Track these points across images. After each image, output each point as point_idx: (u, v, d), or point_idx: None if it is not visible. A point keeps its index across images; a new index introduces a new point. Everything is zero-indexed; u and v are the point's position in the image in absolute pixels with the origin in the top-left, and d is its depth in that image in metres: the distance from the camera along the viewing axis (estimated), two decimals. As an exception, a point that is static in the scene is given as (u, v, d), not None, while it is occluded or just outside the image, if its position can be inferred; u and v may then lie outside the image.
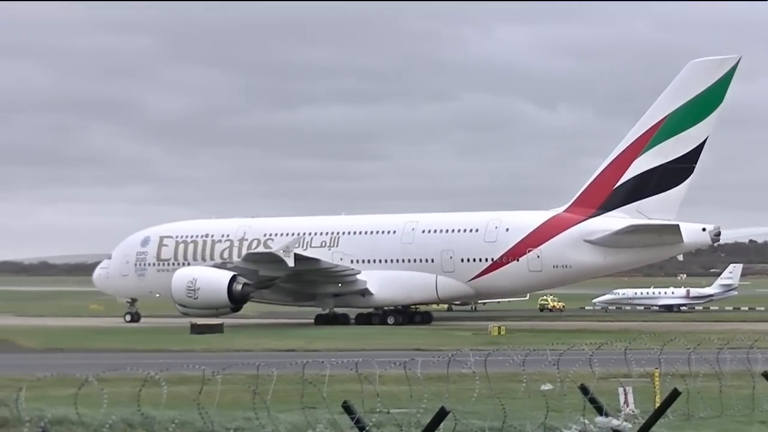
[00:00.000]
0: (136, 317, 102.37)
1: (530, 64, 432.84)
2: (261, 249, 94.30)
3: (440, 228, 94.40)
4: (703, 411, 29.10)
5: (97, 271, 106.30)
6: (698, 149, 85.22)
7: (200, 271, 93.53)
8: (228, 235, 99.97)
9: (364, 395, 25.96)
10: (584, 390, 23.65)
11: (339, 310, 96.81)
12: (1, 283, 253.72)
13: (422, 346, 60.95)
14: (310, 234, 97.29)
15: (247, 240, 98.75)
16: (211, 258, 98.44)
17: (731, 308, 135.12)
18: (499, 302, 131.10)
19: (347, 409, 19.29)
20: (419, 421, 23.15)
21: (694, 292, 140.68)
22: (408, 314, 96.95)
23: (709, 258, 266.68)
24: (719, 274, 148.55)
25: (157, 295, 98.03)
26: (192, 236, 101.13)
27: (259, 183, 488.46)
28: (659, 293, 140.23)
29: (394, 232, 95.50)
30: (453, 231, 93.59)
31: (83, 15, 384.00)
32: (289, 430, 25.65)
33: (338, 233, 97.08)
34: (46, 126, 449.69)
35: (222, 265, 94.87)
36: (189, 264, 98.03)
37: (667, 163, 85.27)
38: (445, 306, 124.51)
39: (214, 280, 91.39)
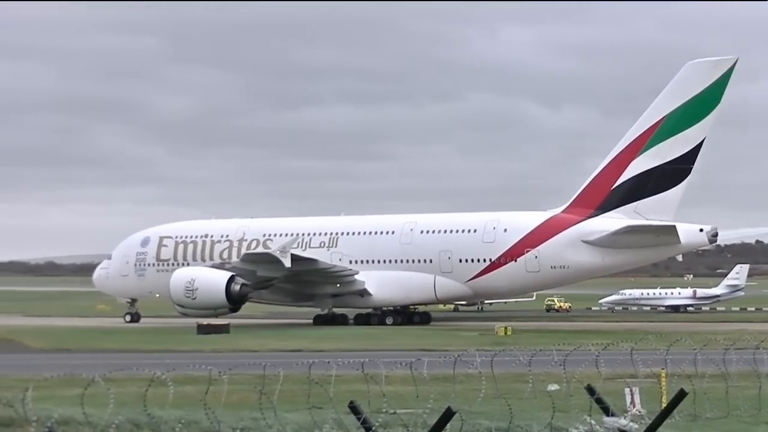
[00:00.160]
0: (136, 317, 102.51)
1: (535, 65, 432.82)
2: (260, 249, 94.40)
3: (438, 228, 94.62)
4: (710, 411, 29.06)
5: (97, 272, 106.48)
6: (696, 150, 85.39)
7: (198, 272, 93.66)
8: (227, 236, 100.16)
9: (371, 395, 25.98)
10: (591, 390, 23.63)
11: (338, 311, 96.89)
12: (7, 283, 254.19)
13: (428, 347, 60.95)
14: (308, 234, 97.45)
15: (246, 240, 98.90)
16: (211, 258, 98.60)
17: (738, 309, 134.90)
18: (506, 302, 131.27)
19: (354, 409, 19.29)
20: (425, 421, 23.16)
21: (701, 292, 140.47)
22: (407, 314, 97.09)
23: (716, 259, 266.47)
24: (726, 275, 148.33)
25: (157, 295, 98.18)
26: (191, 236, 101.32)
27: (263, 183, 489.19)
28: (666, 294, 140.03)
29: (393, 232, 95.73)
30: (451, 231, 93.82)
31: (87, 16, 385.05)
32: (295, 431, 25.68)
33: (337, 234, 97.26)
34: (51, 127, 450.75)
35: (220, 266, 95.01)
36: (188, 264, 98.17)
37: (665, 163, 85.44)
38: (452, 306, 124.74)
39: (212, 280, 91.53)
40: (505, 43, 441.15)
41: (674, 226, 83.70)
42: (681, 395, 20.79)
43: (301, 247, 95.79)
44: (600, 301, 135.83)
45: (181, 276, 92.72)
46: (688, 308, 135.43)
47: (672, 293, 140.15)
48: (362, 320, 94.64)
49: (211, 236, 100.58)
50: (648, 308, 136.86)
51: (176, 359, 48.69)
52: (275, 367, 26.83)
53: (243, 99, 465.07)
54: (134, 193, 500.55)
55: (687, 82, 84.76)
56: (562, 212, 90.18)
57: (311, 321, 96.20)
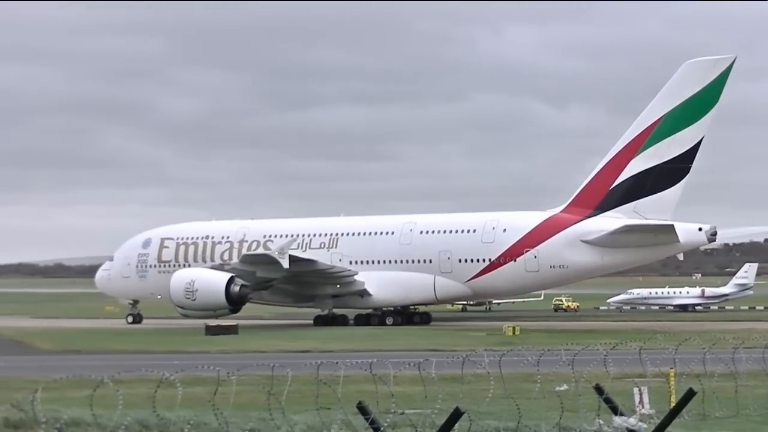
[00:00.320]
0: (138, 319, 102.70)
1: (541, 64, 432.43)
2: (260, 250, 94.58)
3: (438, 229, 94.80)
4: (719, 411, 29.02)
5: (99, 273, 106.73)
6: (694, 149, 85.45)
7: (198, 273, 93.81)
8: (228, 237, 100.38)
9: (379, 396, 26.00)
10: (599, 390, 23.60)
11: (338, 311, 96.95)
12: (17, 285, 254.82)
13: (436, 347, 60.95)
14: (309, 235, 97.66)
15: (246, 241, 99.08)
16: (212, 259, 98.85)
17: (746, 308, 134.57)
18: (513, 302, 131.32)
19: (362, 409, 19.30)
20: (434, 421, 23.17)
21: (709, 291, 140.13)
22: (407, 315, 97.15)
23: (725, 257, 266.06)
24: (734, 274, 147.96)
25: (159, 296, 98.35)
26: (192, 238, 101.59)
27: (270, 184, 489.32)
28: (674, 293, 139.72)
29: (393, 233, 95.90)
30: (451, 232, 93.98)
31: (94, 18, 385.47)
32: (303, 431, 25.69)
33: (337, 234, 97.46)
34: (59, 129, 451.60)
35: (220, 267, 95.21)
36: (190, 266, 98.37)
37: (663, 163, 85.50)
38: (460, 306, 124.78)
39: (212, 281, 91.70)
40: (511, 43, 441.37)
41: (672, 225, 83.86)
42: (690, 395, 20.76)
43: (302, 247, 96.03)
44: (608, 300, 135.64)
45: (181, 277, 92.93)
46: (696, 307, 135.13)
47: (680, 292, 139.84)
48: (362, 321, 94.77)
49: (212, 237, 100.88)
50: (656, 307, 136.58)
51: (185, 360, 48.75)
52: (283, 367, 26.89)
53: (250, 100, 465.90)
54: (142, 195, 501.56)
55: (685, 82, 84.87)
56: (561, 212, 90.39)
57: (311, 321, 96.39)
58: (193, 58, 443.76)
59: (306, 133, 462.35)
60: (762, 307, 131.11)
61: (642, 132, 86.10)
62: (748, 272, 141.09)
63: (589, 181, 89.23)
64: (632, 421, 23.95)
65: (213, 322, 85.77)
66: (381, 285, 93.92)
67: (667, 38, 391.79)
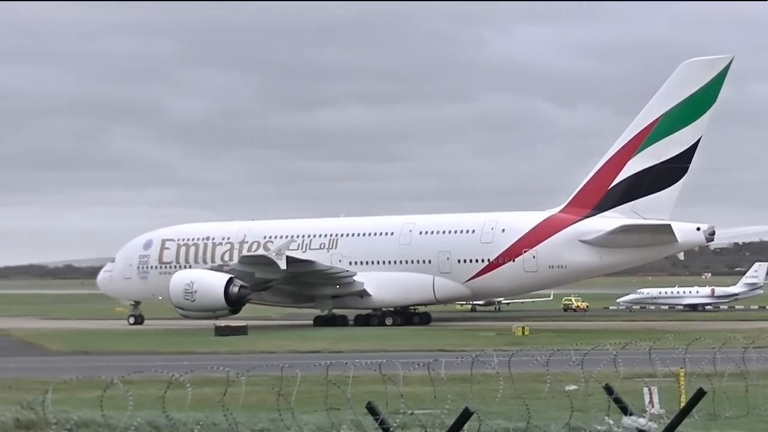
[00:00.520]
0: (139, 320, 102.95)
1: (549, 64, 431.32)
2: (261, 251, 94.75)
3: (437, 229, 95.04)
4: (729, 411, 28.97)
5: (101, 274, 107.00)
6: (692, 149, 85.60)
7: (197, 274, 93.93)
8: (228, 238, 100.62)
9: (388, 396, 26.02)
10: (609, 390, 23.58)
11: (338, 312, 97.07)
12: (27, 286, 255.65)
13: (446, 347, 60.95)
14: (309, 236, 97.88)
15: (247, 242, 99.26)
16: (212, 260, 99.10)
17: (756, 307, 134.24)
18: (522, 302, 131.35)
19: (371, 410, 19.31)
20: (443, 422, 23.18)
21: (719, 291, 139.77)
22: (406, 315, 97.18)
23: (734, 257, 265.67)
24: (744, 273, 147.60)
25: (160, 297, 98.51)
26: (193, 239, 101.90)
27: (279, 185, 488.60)
28: (684, 292, 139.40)
29: (392, 233, 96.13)
30: (450, 232, 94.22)
31: (102, 19, 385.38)
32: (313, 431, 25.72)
33: (337, 235, 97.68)
34: (68, 130, 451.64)
35: (219, 268, 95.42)
36: (191, 267, 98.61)
37: (661, 163, 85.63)
38: (469, 306, 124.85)
39: (211, 282, 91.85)
40: (519, 44, 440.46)
41: (669, 224, 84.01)
42: (700, 394, 20.72)
43: (302, 248, 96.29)
44: (618, 300, 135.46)
45: (181, 278, 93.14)
46: (706, 307, 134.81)
47: (690, 292, 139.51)
48: (362, 321, 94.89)
49: (213, 239, 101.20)
50: (666, 307, 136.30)
51: (194, 361, 48.85)
52: (293, 368, 26.92)
53: (258, 101, 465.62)
54: (151, 196, 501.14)
55: (682, 82, 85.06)
56: (559, 212, 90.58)
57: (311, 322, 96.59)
58: (200, 59, 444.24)
59: (314, 134, 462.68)
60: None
61: (640, 132, 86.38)
62: (758, 271, 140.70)
63: (588, 181, 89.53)
64: (642, 421, 23.92)
65: (222, 323, 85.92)
66: (380, 285, 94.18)
67: (675, 38, 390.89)
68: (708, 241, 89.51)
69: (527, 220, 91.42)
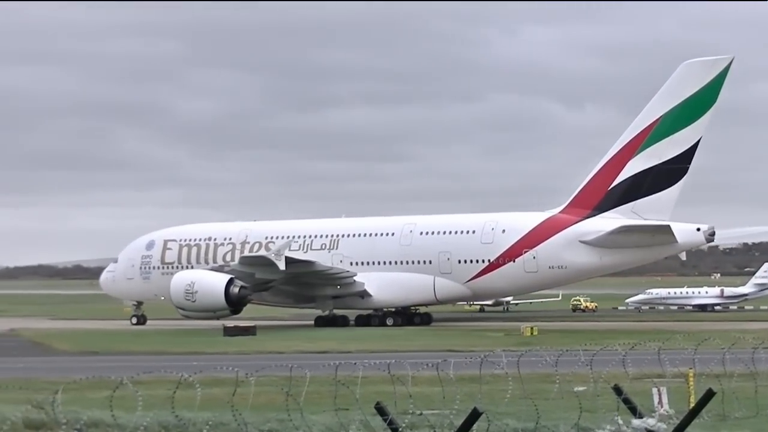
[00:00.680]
0: (142, 320, 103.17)
1: (556, 65, 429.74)
2: (262, 252, 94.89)
3: (438, 230, 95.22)
4: (739, 411, 28.91)
5: (104, 275, 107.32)
6: (692, 150, 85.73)
7: (198, 275, 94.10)
8: (230, 239, 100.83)
9: (397, 396, 26.04)
10: (618, 390, 23.56)
11: (338, 312, 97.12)
12: (36, 287, 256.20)
13: (454, 347, 60.93)
14: (310, 237, 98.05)
15: (248, 243, 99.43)
16: (214, 261, 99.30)
17: (766, 307, 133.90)
18: (531, 303, 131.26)
19: (380, 410, 19.32)
20: (452, 422, 23.17)
21: (728, 291, 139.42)
22: (407, 315, 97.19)
23: (744, 257, 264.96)
24: (754, 273, 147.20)
25: (162, 298, 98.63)
26: (195, 239, 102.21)
27: (286, 185, 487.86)
28: (693, 293, 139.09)
29: (393, 234, 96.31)
30: (450, 233, 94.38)
31: (109, 20, 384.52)
32: (322, 432, 25.73)
33: (338, 236, 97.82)
34: (75, 131, 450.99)
35: (220, 268, 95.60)
36: (192, 267, 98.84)
37: (661, 163, 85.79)
38: (478, 307, 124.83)
39: (211, 283, 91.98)
40: (525, 43, 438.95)
41: (668, 225, 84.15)
42: (709, 395, 20.69)
43: (303, 249, 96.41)
44: (626, 300, 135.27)
45: (181, 279, 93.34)
46: (715, 307, 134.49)
47: (699, 292, 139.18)
48: (363, 321, 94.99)
49: (215, 239, 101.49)
50: (675, 308, 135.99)
51: (203, 361, 48.92)
52: (302, 368, 26.95)
53: (264, 101, 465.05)
54: (158, 196, 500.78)
55: (682, 82, 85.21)
56: (559, 213, 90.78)
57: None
58: (207, 59, 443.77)
59: (320, 134, 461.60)
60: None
61: (640, 132, 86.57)
62: (767, 272, 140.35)
63: (588, 182, 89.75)
64: (651, 421, 23.89)
65: (231, 324, 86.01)
66: (381, 286, 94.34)
67: (682, 38, 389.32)
68: (708, 242, 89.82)
69: (527, 220, 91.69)
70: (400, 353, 53.89)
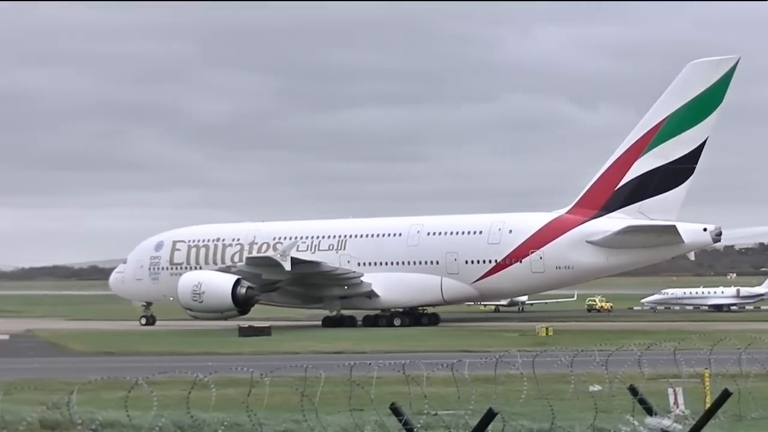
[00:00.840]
0: (151, 320, 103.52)
1: (569, 65, 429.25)
2: (270, 253, 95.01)
3: (445, 230, 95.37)
4: (755, 411, 28.78)
5: (113, 275, 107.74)
6: (698, 150, 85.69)
7: (205, 275, 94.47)
8: (238, 239, 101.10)
9: (412, 397, 26.00)
10: (633, 391, 23.50)
11: (346, 312, 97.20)
12: (52, 287, 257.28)
13: (469, 348, 60.87)
14: (317, 237, 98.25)
15: (257, 244, 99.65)
16: (222, 262, 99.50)
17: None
18: (546, 303, 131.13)
19: (395, 410, 19.32)
20: (467, 422, 23.13)
21: (745, 291, 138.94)
22: (415, 316, 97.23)
23: (760, 257, 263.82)
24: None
25: (171, 298, 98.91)
26: (204, 240, 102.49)
27: (300, 186, 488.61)
28: (709, 293, 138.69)
29: (400, 234, 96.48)
30: (457, 233, 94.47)
31: (123, 21, 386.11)
32: (337, 432, 25.73)
33: (345, 236, 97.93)
34: (91, 132, 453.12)
35: (227, 269, 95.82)
36: (201, 268, 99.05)
37: (668, 164, 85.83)
38: (493, 307, 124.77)
39: (218, 284, 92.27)
40: (539, 43, 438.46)
41: (674, 225, 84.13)
42: (725, 395, 20.60)
43: (311, 249, 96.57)
44: (642, 300, 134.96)
45: (189, 280, 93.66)
46: (731, 307, 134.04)
47: (715, 292, 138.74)
48: (370, 322, 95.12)
49: (223, 240, 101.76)
50: (691, 308, 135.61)
51: (218, 362, 48.98)
52: (316, 369, 26.94)
53: (278, 102, 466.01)
54: (174, 197, 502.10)
55: (689, 82, 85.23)
56: (566, 213, 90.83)
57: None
58: (221, 60, 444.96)
59: (335, 135, 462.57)
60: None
61: (647, 132, 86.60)
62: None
63: (595, 182, 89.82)
64: (667, 422, 23.82)
65: (245, 324, 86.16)
66: (388, 286, 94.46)
67: (695, 37, 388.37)
68: (715, 242, 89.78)
69: (534, 221, 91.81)
70: (414, 353, 53.86)
